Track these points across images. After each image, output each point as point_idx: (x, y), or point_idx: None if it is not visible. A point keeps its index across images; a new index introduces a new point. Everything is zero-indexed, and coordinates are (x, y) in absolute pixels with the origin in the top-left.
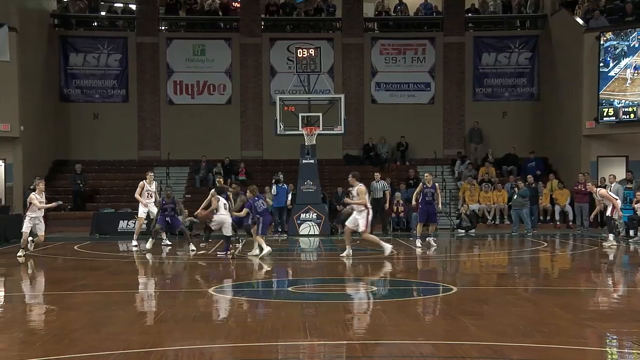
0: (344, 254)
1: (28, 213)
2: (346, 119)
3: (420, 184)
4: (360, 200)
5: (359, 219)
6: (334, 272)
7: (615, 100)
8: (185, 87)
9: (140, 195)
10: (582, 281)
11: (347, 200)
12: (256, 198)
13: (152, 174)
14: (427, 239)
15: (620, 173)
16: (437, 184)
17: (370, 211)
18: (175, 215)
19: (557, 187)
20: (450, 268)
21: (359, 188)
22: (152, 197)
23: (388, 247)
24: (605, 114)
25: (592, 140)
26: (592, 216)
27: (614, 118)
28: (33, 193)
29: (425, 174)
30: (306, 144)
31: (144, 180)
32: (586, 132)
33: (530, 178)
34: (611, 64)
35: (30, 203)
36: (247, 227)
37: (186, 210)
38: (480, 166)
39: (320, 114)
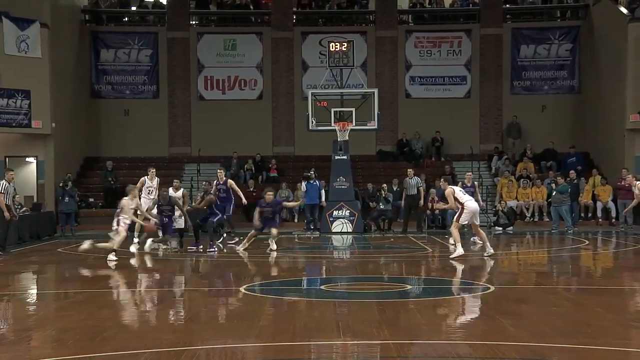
0: (455, 254)
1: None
2: (380, 114)
3: (460, 183)
4: (450, 204)
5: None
6: (367, 270)
7: None
8: (216, 82)
9: (141, 191)
10: (626, 280)
11: (438, 205)
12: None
13: (154, 170)
14: (471, 238)
15: None
16: (476, 183)
17: (466, 208)
18: (172, 217)
19: (600, 183)
20: (488, 266)
21: (447, 190)
22: (151, 193)
23: (460, 251)
24: None
25: (636, 134)
26: (626, 210)
27: None
28: (125, 199)
29: (467, 174)
30: (339, 139)
31: (145, 177)
32: (630, 125)
33: (572, 174)
34: None
35: (122, 208)
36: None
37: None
38: (519, 162)
39: (353, 109)
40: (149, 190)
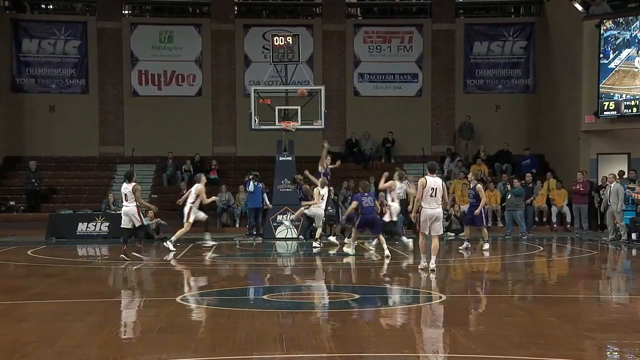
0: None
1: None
2: (327, 113)
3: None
4: (482, 199)
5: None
6: (313, 278)
7: (616, 94)
8: (151, 77)
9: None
10: (581, 289)
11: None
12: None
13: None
14: (463, 245)
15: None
16: (479, 185)
17: (422, 214)
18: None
19: (555, 186)
20: (440, 274)
21: (478, 186)
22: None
23: (422, 263)
24: (605, 108)
25: (592, 136)
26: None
27: (615, 112)
28: (199, 186)
29: (470, 173)
30: (283, 139)
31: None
32: (585, 127)
33: (528, 177)
34: (611, 55)
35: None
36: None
37: (151, 212)
38: (472, 164)
39: (299, 107)
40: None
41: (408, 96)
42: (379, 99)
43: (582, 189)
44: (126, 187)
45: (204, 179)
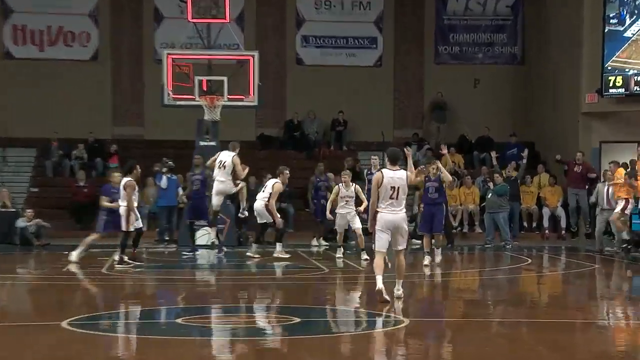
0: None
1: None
2: (262, 86)
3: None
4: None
5: None
6: (241, 297)
7: (629, 68)
8: (30, 34)
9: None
10: (575, 312)
11: None
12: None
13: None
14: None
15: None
16: (442, 174)
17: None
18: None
19: (548, 183)
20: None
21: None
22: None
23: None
24: (611, 84)
25: (594, 120)
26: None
27: (623, 90)
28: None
29: (429, 162)
30: (205, 119)
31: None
32: (585, 108)
33: (511, 166)
34: (628, 21)
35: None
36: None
37: (30, 211)
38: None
39: (225, 79)
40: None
41: (364, 66)
42: (327, 70)
43: (582, 171)
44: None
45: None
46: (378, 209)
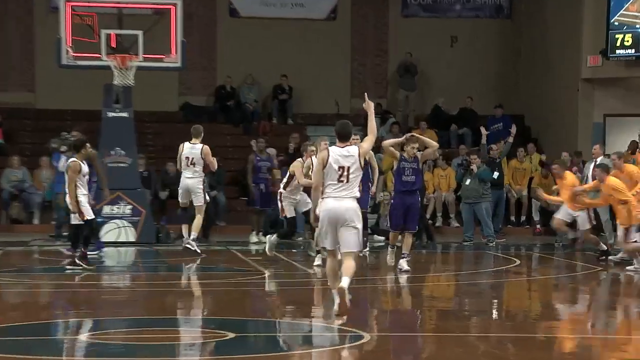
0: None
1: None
2: (185, 43)
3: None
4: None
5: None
6: (161, 307)
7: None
8: None
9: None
10: (568, 325)
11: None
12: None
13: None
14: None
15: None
16: (419, 155)
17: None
18: None
19: (541, 173)
20: (362, 302)
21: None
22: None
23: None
24: (618, 44)
25: (597, 88)
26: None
27: (633, 51)
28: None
29: (408, 138)
30: (115, 83)
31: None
32: (586, 73)
33: (498, 146)
34: None
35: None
36: None
37: None
38: (414, 128)
39: (140, 33)
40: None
41: (315, 19)
42: (268, 24)
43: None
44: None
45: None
46: (323, 195)
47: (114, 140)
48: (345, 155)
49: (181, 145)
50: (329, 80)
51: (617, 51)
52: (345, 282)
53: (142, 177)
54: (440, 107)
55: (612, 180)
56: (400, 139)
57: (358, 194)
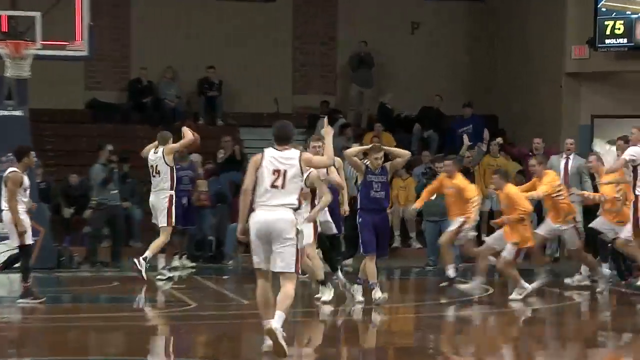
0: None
1: None
2: (93, 27)
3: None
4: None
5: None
6: (61, 346)
7: (633, 10)
8: None
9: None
10: None
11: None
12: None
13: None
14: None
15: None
16: (388, 165)
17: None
18: None
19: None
20: (295, 339)
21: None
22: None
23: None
24: (608, 32)
25: (584, 84)
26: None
27: (626, 41)
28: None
29: (371, 147)
30: (7, 75)
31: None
32: (571, 66)
33: (468, 155)
34: None
35: None
36: None
37: None
38: (368, 131)
39: (38, 15)
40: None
41: (249, 0)
42: (192, 4)
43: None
44: None
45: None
46: (253, 205)
47: (5, 144)
48: (284, 158)
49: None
50: (266, 73)
51: (607, 41)
52: (276, 321)
53: (40, 190)
54: (386, 104)
55: (511, 189)
56: (365, 147)
57: (296, 204)
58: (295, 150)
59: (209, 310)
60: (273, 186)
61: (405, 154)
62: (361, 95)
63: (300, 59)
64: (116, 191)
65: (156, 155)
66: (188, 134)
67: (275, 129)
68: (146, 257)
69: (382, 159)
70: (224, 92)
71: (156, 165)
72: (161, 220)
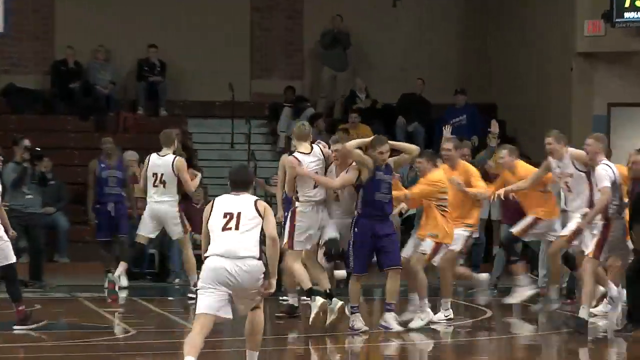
0: None
1: None
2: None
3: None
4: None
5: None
6: None
7: None
8: None
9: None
10: None
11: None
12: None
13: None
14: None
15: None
16: (392, 162)
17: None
18: None
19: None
20: None
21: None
22: None
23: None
24: (627, 4)
25: (598, 66)
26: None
27: None
28: None
29: (374, 140)
30: None
31: None
32: (584, 45)
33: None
34: None
35: None
36: None
37: None
38: (341, 122)
39: None
40: None
41: None
42: None
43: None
44: None
45: None
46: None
47: None
48: (239, 200)
49: (147, 158)
50: (219, 53)
51: (626, 14)
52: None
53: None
54: (355, 93)
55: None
56: (365, 140)
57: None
58: (250, 196)
59: (150, 338)
60: (226, 228)
61: (414, 149)
62: (334, 79)
63: (260, 35)
64: (31, 196)
65: (163, 161)
66: (190, 184)
67: (231, 174)
68: (196, 284)
69: (389, 153)
70: (168, 77)
71: (161, 175)
72: (176, 232)
